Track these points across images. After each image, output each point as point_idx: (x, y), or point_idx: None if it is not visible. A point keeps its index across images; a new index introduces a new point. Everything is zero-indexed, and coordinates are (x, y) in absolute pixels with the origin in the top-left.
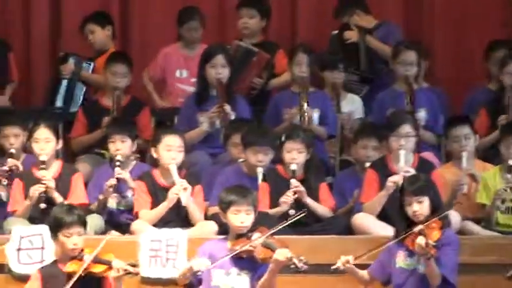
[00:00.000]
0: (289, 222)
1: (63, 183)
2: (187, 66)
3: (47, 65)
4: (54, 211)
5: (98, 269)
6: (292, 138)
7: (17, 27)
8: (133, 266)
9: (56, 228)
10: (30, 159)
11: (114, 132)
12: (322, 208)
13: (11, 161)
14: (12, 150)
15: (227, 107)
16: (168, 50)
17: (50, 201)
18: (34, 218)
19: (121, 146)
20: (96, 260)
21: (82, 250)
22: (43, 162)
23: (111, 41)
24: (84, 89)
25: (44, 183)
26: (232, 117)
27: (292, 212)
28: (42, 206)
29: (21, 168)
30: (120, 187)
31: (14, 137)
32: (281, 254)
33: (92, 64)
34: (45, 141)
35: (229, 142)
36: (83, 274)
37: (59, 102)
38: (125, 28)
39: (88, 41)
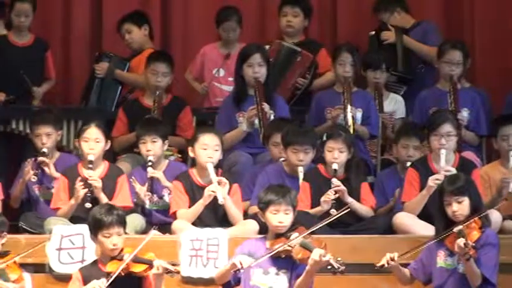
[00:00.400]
0: (328, 221)
1: (108, 184)
2: (224, 65)
3: (86, 64)
4: (94, 211)
5: (138, 268)
6: (333, 137)
7: (58, 26)
8: (174, 265)
9: (96, 228)
10: (66, 158)
11: (145, 133)
12: (363, 208)
13: (41, 159)
14: (45, 150)
15: (266, 106)
16: (206, 49)
17: (95, 202)
18: (79, 217)
19: (151, 147)
20: (137, 260)
21: (122, 250)
22: (91, 162)
23: (148, 41)
24: (120, 88)
25: (91, 183)
26: (271, 116)
27: (333, 211)
28: (88, 205)
29: (52, 168)
30: (154, 187)
31: (46, 136)
32: (318, 254)
33: (128, 64)
34: (95, 141)
35: (269, 141)
36: (123, 273)
37: (93, 102)
38: (166, 27)
39: (125, 41)
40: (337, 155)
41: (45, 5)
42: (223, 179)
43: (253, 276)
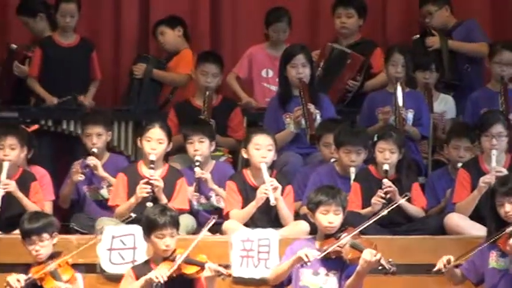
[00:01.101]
0: (375, 219)
1: (167, 185)
2: (272, 65)
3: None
4: (148, 212)
5: (190, 270)
6: (384, 138)
7: (106, 27)
8: (226, 267)
9: (149, 229)
10: (115, 159)
11: (192, 133)
12: (414, 208)
13: (90, 159)
14: (94, 150)
15: (311, 107)
16: (253, 50)
17: (155, 202)
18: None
19: (199, 147)
20: (189, 261)
21: (174, 251)
22: (152, 162)
23: (184, 42)
24: (159, 89)
25: (152, 183)
26: (318, 117)
27: (384, 212)
28: (149, 205)
29: (101, 169)
30: (202, 188)
31: (97, 137)
32: (369, 255)
33: (165, 65)
34: (158, 142)
35: (320, 142)
36: (174, 275)
37: (132, 102)
38: (216, 27)
39: (159, 43)
40: (388, 155)
41: (94, 6)
42: (276, 183)
43: (303, 276)
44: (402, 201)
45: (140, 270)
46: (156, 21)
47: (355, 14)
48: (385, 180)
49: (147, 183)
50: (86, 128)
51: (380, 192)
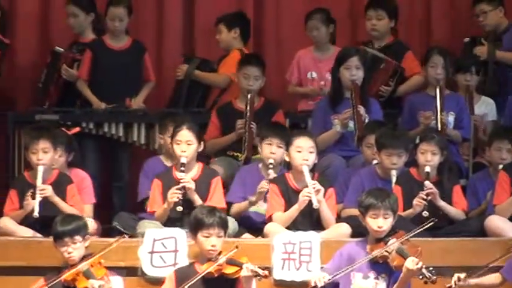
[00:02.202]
0: (424, 227)
1: (202, 185)
2: (316, 68)
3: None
4: (196, 211)
5: (230, 270)
6: (427, 140)
7: (151, 28)
8: (264, 269)
9: (196, 228)
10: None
11: (273, 136)
12: (455, 210)
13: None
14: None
15: (361, 109)
16: (301, 53)
17: (190, 204)
18: (174, 219)
19: (276, 150)
20: (230, 262)
21: (220, 253)
22: (183, 165)
23: (238, 43)
24: (204, 91)
25: (183, 186)
26: (366, 120)
27: (425, 213)
28: (179, 209)
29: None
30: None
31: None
32: (411, 263)
33: (213, 65)
34: (187, 144)
35: (363, 143)
36: (216, 274)
37: (179, 105)
38: (259, 29)
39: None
40: (430, 157)
41: (137, 7)
42: (318, 186)
43: (354, 280)
44: (444, 206)
45: (183, 272)
46: (218, 17)
47: (385, 16)
48: (426, 182)
49: (179, 187)
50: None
51: (422, 194)
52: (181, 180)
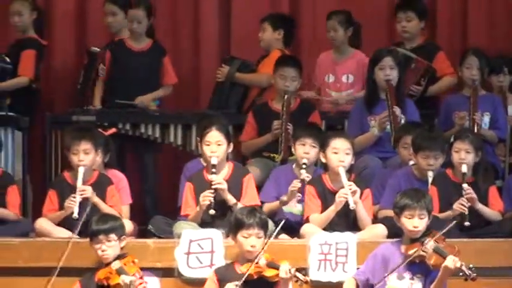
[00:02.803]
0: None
1: (234, 184)
2: (333, 70)
3: (215, 68)
4: (236, 212)
5: (270, 272)
6: (461, 138)
7: (187, 30)
8: (304, 274)
9: (236, 228)
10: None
11: (306, 136)
12: (491, 212)
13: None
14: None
15: (397, 110)
16: (322, 56)
17: (223, 205)
18: (207, 222)
19: (309, 150)
20: (270, 265)
21: (259, 254)
22: (214, 166)
23: (280, 44)
24: (243, 92)
25: (214, 189)
26: (402, 120)
27: (467, 224)
28: (212, 212)
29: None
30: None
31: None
32: (451, 262)
33: (252, 66)
34: (217, 144)
35: (399, 143)
36: (255, 277)
37: (217, 105)
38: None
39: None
40: (463, 155)
41: (174, 8)
42: (354, 187)
43: (388, 281)
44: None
45: (223, 272)
46: (265, 16)
47: (415, 17)
48: (465, 186)
49: (210, 190)
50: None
51: (462, 200)
52: (212, 182)
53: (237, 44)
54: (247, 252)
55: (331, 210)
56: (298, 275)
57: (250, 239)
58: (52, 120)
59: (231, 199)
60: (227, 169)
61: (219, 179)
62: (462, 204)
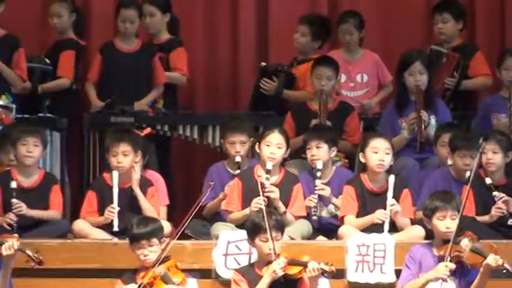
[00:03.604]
0: None
1: (283, 191)
2: (346, 70)
3: (252, 69)
4: (252, 216)
5: (293, 270)
6: (488, 139)
7: (225, 30)
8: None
9: (254, 232)
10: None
11: (310, 138)
12: None
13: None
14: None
15: (423, 114)
16: (331, 54)
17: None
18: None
19: (316, 152)
20: (292, 262)
21: (279, 255)
22: (268, 171)
23: (314, 47)
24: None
25: (268, 195)
26: (433, 121)
27: (511, 222)
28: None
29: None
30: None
31: (241, 144)
32: (493, 260)
33: (291, 79)
34: (277, 147)
35: (438, 142)
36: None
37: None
38: (332, 32)
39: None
40: (490, 155)
41: (212, 8)
42: (396, 206)
43: None
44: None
45: (246, 273)
46: (300, 17)
47: (451, 19)
48: (495, 194)
49: (263, 198)
50: (230, 136)
51: (500, 204)
52: (265, 189)
53: (274, 47)
54: (267, 255)
55: (367, 221)
56: (324, 267)
57: (269, 243)
58: (90, 121)
59: (281, 207)
60: (278, 174)
61: (273, 188)
62: (499, 208)
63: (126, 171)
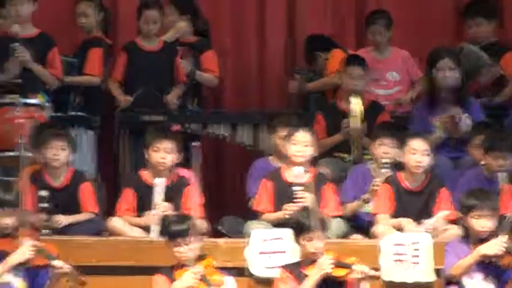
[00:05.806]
0: None
1: (314, 192)
2: (376, 69)
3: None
4: (297, 214)
5: (339, 272)
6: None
7: (252, 36)
8: (375, 270)
9: (298, 231)
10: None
11: (385, 136)
12: None
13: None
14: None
15: (456, 111)
16: (360, 53)
17: None
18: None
19: (389, 150)
20: (338, 264)
21: (322, 254)
22: (300, 175)
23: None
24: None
25: (299, 200)
26: (468, 120)
27: None
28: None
29: None
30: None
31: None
32: None
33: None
34: (304, 145)
35: (471, 143)
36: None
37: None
38: (360, 35)
39: None
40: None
41: (239, 8)
42: (439, 223)
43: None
44: None
45: (292, 270)
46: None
47: (483, 21)
48: None
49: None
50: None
51: None
52: (297, 196)
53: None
54: (312, 254)
55: (400, 225)
56: (369, 270)
57: (313, 242)
58: (121, 120)
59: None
60: (309, 174)
61: (306, 194)
62: None
63: (164, 169)
